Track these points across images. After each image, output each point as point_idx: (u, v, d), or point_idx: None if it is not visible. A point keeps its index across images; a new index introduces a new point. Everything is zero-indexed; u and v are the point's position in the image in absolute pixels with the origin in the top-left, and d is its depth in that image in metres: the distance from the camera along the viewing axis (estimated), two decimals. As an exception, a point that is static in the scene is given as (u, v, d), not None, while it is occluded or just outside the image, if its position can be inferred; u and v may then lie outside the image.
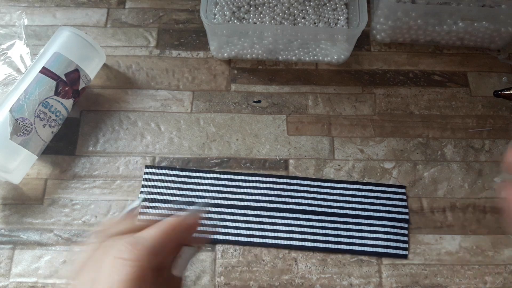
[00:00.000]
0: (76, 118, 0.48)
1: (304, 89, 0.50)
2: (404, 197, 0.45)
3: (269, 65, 0.51)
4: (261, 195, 0.44)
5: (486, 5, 0.49)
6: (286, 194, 0.44)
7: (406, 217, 0.44)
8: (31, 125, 0.43)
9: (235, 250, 0.43)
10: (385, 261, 0.42)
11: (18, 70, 0.50)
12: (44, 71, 0.44)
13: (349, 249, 0.43)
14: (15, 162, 0.42)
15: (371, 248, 0.43)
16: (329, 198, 0.44)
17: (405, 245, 0.43)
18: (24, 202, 0.44)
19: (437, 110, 0.49)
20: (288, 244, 0.43)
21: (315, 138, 0.48)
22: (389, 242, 0.43)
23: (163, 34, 0.53)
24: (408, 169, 0.46)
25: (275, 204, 0.44)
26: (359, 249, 0.43)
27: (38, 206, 0.44)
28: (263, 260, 0.42)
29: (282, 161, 0.47)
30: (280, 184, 0.45)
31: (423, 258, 0.43)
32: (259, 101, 0.49)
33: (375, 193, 0.45)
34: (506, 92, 0.48)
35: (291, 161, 0.47)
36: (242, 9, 0.52)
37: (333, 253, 0.43)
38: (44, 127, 0.44)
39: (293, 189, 0.45)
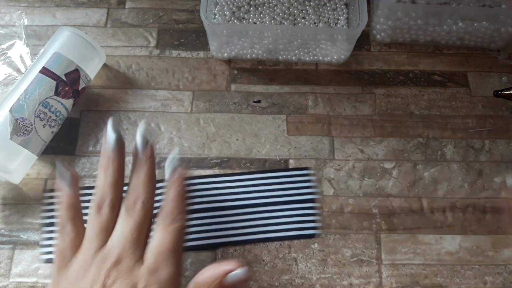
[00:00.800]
0: (76, 118, 0.48)
1: (304, 89, 0.50)
2: (309, 178, 0.45)
3: (269, 65, 0.51)
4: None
5: (486, 5, 0.49)
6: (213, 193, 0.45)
7: (313, 197, 0.45)
8: (31, 125, 0.43)
9: (235, 250, 0.43)
10: (385, 261, 0.43)
11: (18, 70, 0.50)
12: (44, 71, 0.44)
13: (263, 238, 0.43)
14: (15, 162, 0.42)
15: (283, 233, 0.43)
16: (236, 191, 0.45)
17: (314, 225, 0.44)
18: (24, 202, 0.44)
19: (437, 110, 0.49)
20: (212, 243, 0.43)
21: (315, 138, 0.48)
22: (299, 224, 0.44)
23: (163, 34, 0.53)
24: (408, 169, 0.46)
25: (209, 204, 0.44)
26: (271, 236, 0.43)
27: (38, 206, 0.44)
28: (263, 260, 0.42)
29: (282, 161, 0.47)
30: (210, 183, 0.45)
31: (423, 258, 0.43)
32: (259, 101, 0.50)
33: (280, 179, 0.45)
34: (506, 92, 0.48)
35: (291, 161, 0.47)
36: (242, 9, 0.52)
37: (250, 244, 0.43)
38: (44, 127, 0.44)
39: (220, 187, 0.45)
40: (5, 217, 0.44)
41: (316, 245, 0.43)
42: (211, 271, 0.31)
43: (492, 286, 0.42)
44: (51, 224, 0.43)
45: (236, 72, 0.51)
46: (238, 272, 0.31)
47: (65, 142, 0.47)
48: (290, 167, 0.46)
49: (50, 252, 0.42)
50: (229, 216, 0.43)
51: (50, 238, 0.43)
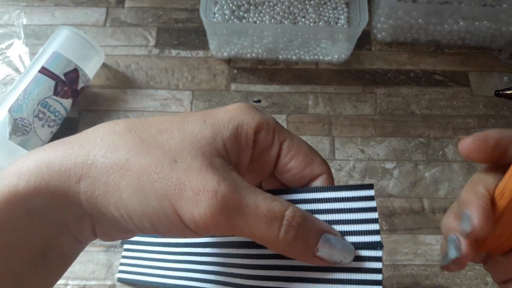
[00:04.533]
0: (75, 118, 0.48)
1: (304, 89, 0.50)
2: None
3: (269, 65, 0.51)
4: None
5: (487, 4, 0.49)
6: None
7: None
8: (30, 125, 0.42)
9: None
10: (386, 261, 0.42)
11: (17, 70, 0.50)
12: (43, 70, 0.44)
13: None
14: (14, 162, 0.42)
15: None
16: None
17: None
18: (23, 203, 0.44)
19: (438, 110, 0.49)
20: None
21: (315, 138, 0.47)
22: None
23: (162, 34, 0.53)
24: (409, 169, 0.46)
25: None
26: None
27: (37, 207, 0.44)
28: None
29: (282, 161, 0.46)
30: None
31: (424, 258, 0.43)
32: (259, 101, 0.49)
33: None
34: (507, 92, 0.48)
35: (291, 161, 0.46)
36: (242, 8, 0.51)
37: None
38: (43, 127, 0.43)
39: None
40: (3, 217, 0.44)
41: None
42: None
43: (493, 286, 0.42)
44: None
45: (236, 71, 0.51)
46: None
47: (64, 142, 0.47)
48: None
49: None
50: None
51: None
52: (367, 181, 0.46)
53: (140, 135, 0.22)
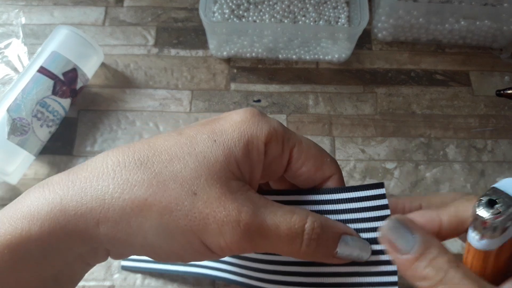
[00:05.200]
0: (73, 118, 0.48)
1: (304, 88, 0.50)
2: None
3: (269, 64, 0.51)
4: None
5: (488, 4, 0.48)
6: None
7: None
8: (29, 125, 0.42)
9: None
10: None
11: (15, 69, 0.50)
12: (42, 70, 0.43)
13: None
14: (13, 162, 0.42)
15: None
16: None
17: None
18: (21, 203, 0.44)
19: (439, 110, 0.49)
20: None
21: (315, 138, 0.47)
22: None
23: (161, 33, 0.52)
24: (410, 169, 0.46)
25: None
26: None
27: (36, 207, 0.44)
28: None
29: (282, 161, 0.46)
30: None
31: (425, 259, 0.42)
32: (259, 101, 0.49)
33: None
34: (508, 92, 0.47)
35: (291, 161, 0.46)
36: (241, 7, 0.51)
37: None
38: (41, 127, 0.43)
39: None
40: (2, 218, 0.43)
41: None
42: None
43: (495, 287, 0.41)
44: None
45: (235, 71, 0.51)
46: None
47: (63, 142, 0.47)
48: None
49: None
50: None
51: None
52: (367, 181, 0.45)
53: (152, 167, 0.22)
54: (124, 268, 0.40)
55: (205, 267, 0.36)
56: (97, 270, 0.41)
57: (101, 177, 0.22)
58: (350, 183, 0.45)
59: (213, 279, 0.38)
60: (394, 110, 0.49)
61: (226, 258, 0.34)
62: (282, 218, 0.23)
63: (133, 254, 0.24)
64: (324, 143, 0.47)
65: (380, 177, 0.45)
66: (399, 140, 0.47)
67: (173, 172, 0.22)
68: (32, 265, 0.21)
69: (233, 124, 0.24)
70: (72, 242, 0.22)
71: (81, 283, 0.40)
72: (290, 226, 0.23)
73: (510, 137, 0.48)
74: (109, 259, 0.41)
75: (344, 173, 0.45)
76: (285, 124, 0.48)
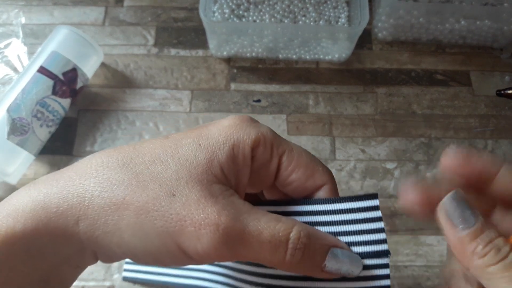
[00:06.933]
0: (73, 118, 0.48)
1: (304, 88, 0.50)
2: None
3: (269, 64, 0.51)
4: None
5: (489, 4, 0.48)
6: None
7: None
8: (29, 125, 0.42)
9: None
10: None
11: (15, 69, 0.50)
12: (42, 70, 0.43)
13: None
14: (12, 162, 0.42)
15: None
16: None
17: None
18: (21, 203, 0.44)
19: (439, 110, 0.49)
20: None
21: (316, 138, 0.47)
22: None
23: (161, 33, 0.52)
24: (410, 169, 0.46)
25: None
26: None
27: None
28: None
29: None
30: None
31: (425, 259, 0.42)
32: (259, 101, 0.49)
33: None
34: (509, 92, 0.47)
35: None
36: (241, 6, 0.51)
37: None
38: (41, 126, 0.43)
39: None
40: (1, 218, 0.43)
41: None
42: None
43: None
44: None
45: (235, 71, 0.50)
46: None
47: (63, 142, 0.46)
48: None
49: None
50: None
51: None
52: (368, 181, 0.45)
53: (134, 168, 0.22)
54: (126, 279, 0.40)
55: (208, 280, 0.35)
56: (97, 270, 0.41)
57: (84, 176, 0.22)
58: (350, 183, 0.45)
59: None
60: (394, 110, 0.49)
61: (230, 272, 0.32)
62: (266, 225, 0.22)
63: (115, 255, 0.23)
64: (324, 143, 0.47)
65: (380, 177, 0.45)
66: (400, 140, 0.47)
67: (154, 173, 0.22)
68: (19, 264, 0.21)
69: (220, 129, 0.24)
70: (56, 240, 0.21)
71: (81, 283, 0.40)
72: (274, 233, 0.22)
73: (511, 137, 0.47)
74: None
75: (344, 173, 0.45)
76: (285, 124, 0.48)
